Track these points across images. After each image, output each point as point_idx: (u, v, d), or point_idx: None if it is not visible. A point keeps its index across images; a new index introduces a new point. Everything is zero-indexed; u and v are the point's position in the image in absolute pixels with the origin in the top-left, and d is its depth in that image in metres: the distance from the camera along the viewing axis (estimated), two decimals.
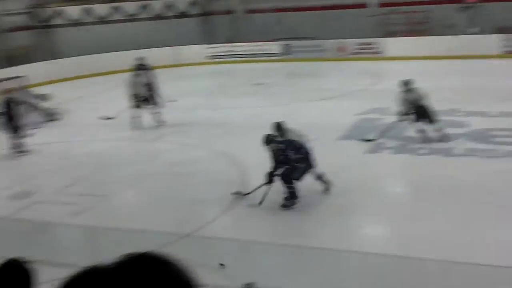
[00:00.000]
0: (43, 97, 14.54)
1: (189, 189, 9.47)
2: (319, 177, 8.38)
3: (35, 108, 14.35)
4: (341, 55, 20.82)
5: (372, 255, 6.55)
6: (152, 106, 13.16)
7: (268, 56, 21.77)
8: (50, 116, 14.50)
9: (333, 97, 15.14)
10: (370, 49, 20.84)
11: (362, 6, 22.24)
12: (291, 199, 8.07)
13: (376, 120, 12.27)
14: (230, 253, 7.18)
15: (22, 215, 8.60)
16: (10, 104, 12.04)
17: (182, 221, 8.10)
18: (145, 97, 13.17)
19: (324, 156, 8.63)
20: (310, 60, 20.50)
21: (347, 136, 11.39)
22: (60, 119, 14.57)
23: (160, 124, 13.20)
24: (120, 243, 7.25)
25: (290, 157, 8.04)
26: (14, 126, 11.88)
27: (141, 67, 14.14)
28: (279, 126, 8.52)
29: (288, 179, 8.05)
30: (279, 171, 8.11)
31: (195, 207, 8.75)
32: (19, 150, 11.97)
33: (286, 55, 22.05)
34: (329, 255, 6.65)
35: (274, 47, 22.15)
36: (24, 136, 12.11)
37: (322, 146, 9.45)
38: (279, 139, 8.25)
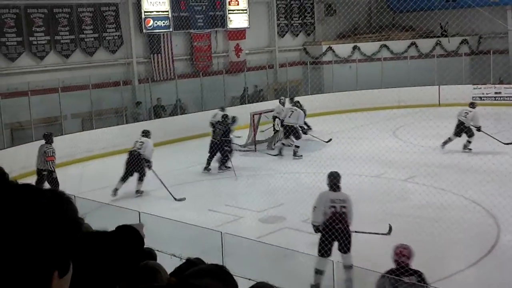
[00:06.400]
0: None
1: (435, 235, 9.13)
2: None
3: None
4: None
5: None
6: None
7: None
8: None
9: None
10: None
11: None
12: None
13: None
14: None
15: (270, 238, 9.11)
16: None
17: (423, 267, 7.84)
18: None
19: None
20: None
21: None
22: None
23: None
24: (354, 281, 7.37)
25: None
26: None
27: None
28: None
29: None
30: None
31: (439, 254, 8.43)
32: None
33: None
34: None
35: None
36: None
37: None
38: None
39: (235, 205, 11.27)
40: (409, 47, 23.94)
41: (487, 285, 7.45)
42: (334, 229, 7.37)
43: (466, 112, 14.86)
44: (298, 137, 15.33)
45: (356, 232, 7.84)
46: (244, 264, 7.92)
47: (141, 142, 12.90)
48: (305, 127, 15.43)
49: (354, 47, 24.19)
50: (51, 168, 11.95)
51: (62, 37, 17.35)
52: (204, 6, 20.82)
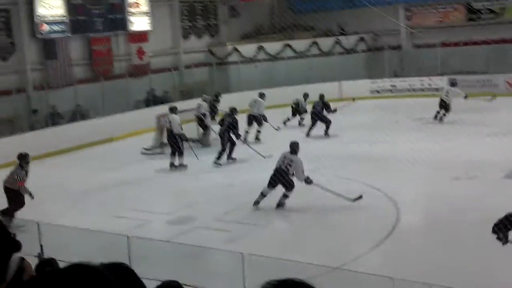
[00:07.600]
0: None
1: (341, 222, 9.44)
2: None
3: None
4: None
5: None
6: None
7: (433, 91, 20.92)
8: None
9: (500, 133, 14.05)
10: None
11: None
12: None
13: None
14: None
15: (180, 240, 8.91)
16: None
17: (331, 253, 8.11)
18: None
19: (486, 195, 8.05)
20: (478, 95, 19.08)
21: None
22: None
23: None
24: (266, 271, 7.43)
25: None
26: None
27: None
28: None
29: None
30: None
31: (345, 240, 8.71)
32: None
33: None
34: None
35: (439, 82, 21.31)
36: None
37: (484, 185, 8.80)
38: None
39: (142, 209, 11.01)
40: (310, 46, 24.55)
41: (390, 262, 7.79)
42: (275, 176, 10.04)
43: (447, 92, 17.04)
44: (260, 124, 16.50)
45: (325, 189, 9.94)
46: (154, 266, 7.75)
47: (169, 120, 13.92)
48: (266, 116, 16.60)
49: (259, 47, 24.45)
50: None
51: None
52: (102, 10, 20.21)
